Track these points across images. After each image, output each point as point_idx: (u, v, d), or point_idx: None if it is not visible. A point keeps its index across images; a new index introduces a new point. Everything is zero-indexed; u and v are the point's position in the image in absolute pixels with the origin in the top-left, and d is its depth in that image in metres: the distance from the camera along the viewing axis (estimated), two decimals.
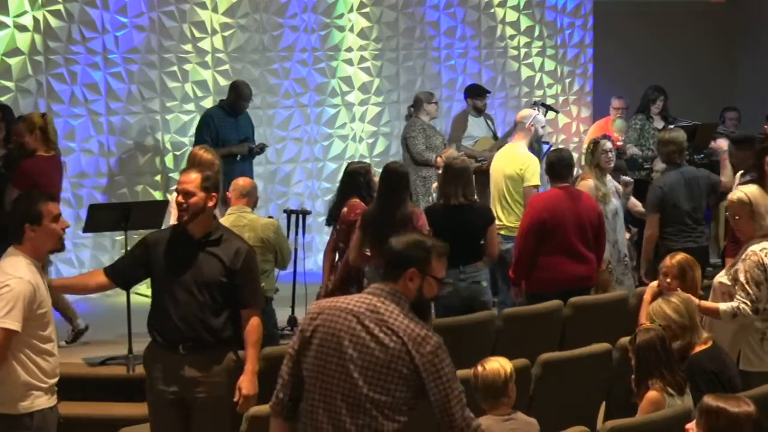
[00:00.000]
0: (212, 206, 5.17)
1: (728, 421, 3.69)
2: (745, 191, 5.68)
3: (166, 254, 5.17)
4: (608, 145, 7.70)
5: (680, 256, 5.74)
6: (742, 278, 5.49)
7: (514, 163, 8.06)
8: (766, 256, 5.52)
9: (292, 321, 8.17)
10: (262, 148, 9.38)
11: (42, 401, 4.68)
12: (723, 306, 5.50)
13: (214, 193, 5.15)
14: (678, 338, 4.98)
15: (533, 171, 8.00)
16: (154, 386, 5.23)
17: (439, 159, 7.99)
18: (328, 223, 7.66)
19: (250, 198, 6.98)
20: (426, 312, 3.99)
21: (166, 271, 5.15)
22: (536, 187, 7.96)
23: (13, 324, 4.49)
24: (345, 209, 7.28)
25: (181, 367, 5.11)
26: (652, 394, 4.70)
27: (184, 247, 5.14)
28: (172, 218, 6.51)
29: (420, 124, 9.66)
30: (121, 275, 5.31)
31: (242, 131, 9.30)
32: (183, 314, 5.09)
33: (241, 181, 7.08)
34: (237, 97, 9.23)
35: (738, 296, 5.49)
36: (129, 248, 5.57)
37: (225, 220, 6.60)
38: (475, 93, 10.28)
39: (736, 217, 5.69)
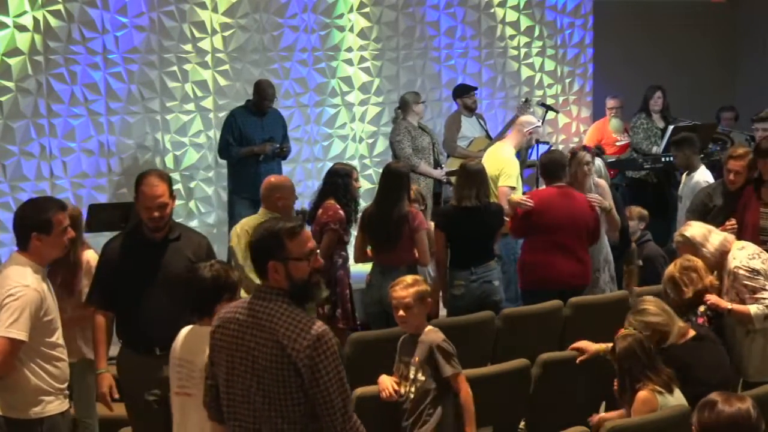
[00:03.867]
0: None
1: (727, 421, 3.65)
2: (682, 233, 5.74)
3: (129, 261, 5.17)
4: (587, 157, 7.52)
5: None
6: (747, 295, 5.53)
7: (494, 165, 8.11)
8: (750, 260, 5.57)
9: None
10: (283, 149, 9.31)
11: (53, 407, 4.64)
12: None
13: (174, 193, 5.25)
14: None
15: (508, 173, 8.08)
16: (132, 392, 5.19)
17: None
18: (308, 223, 7.53)
19: (269, 200, 6.61)
20: (309, 294, 3.76)
21: (132, 278, 5.13)
22: (511, 188, 7.98)
23: (19, 333, 4.40)
24: (320, 211, 7.20)
25: (159, 368, 5.03)
26: (642, 394, 4.70)
27: (147, 251, 5.15)
28: None
29: (405, 126, 9.51)
30: (107, 301, 5.21)
31: (268, 131, 9.31)
32: (156, 317, 5.06)
33: (268, 180, 6.83)
34: (260, 97, 9.29)
35: (760, 303, 5.50)
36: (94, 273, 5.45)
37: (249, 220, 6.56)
38: (462, 92, 10.24)
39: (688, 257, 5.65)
